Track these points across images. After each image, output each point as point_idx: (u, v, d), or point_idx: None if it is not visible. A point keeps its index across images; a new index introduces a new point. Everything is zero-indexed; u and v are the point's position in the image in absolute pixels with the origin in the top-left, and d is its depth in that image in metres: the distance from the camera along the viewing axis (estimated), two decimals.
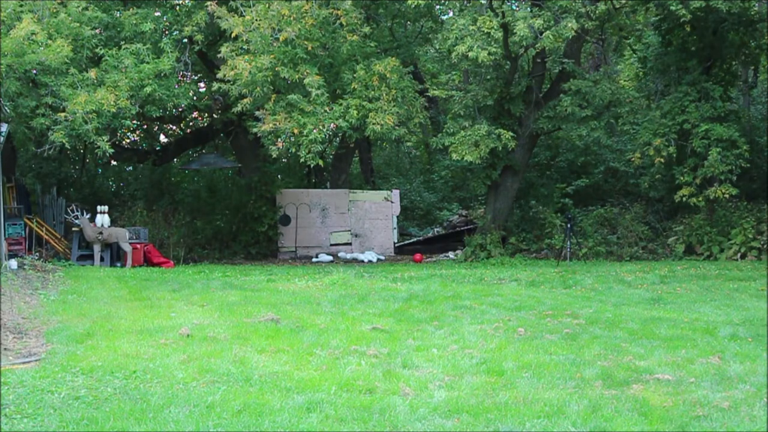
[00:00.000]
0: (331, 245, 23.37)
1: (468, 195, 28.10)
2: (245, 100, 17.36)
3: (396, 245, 23.93)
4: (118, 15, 18.64)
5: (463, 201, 28.22)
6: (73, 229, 18.17)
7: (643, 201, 22.22)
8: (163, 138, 27.87)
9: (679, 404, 6.06)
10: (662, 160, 19.24)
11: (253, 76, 16.72)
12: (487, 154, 19.00)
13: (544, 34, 17.35)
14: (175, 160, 27.12)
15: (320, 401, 6.03)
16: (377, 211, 23.82)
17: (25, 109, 16.19)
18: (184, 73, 20.61)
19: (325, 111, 17.32)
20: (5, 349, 7.64)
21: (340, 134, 21.57)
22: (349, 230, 23.64)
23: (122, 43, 17.75)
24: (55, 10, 16.84)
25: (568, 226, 19.35)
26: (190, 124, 26.29)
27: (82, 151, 24.62)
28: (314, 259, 22.22)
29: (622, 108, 20.02)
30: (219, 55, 17.76)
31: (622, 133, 24.14)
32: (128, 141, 27.30)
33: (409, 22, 24.53)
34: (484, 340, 8.41)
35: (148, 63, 17.28)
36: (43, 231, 18.92)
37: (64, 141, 16.20)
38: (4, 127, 15.57)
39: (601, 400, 6.15)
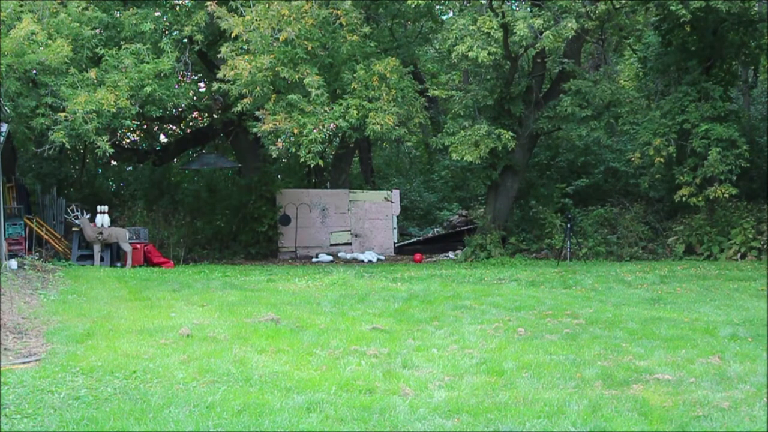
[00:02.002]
0: (331, 245, 23.37)
1: (468, 195, 28.10)
2: (245, 100, 17.36)
3: (396, 245, 23.93)
4: (118, 15, 18.64)
5: (463, 201, 28.21)
6: (73, 229, 18.17)
7: (643, 201, 22.21)
8: (163, 138, 27.88)
9: (679, 404, 6.06)
10: (662, 160, 19.23)
11: (253, 76, 16.72)
12: (487, 154, 19.00)
13: (544, 34, 17.35)
14: (175, 160, 27.14)
15: (320, 401, 6.03)
16: (377, 211, 23.82)
17: (25, 109, 16.19)
18: (184, 73, 20.60)
19: (325, 111, 17.32)
20: (5, 349, 7.64)
21: (340, 134, 21.57)
22: (349, 230, 23.64)
23: (122, 43, 17.75)
24: (55, 10, 16.84)
25: (568, 226, 19.35)
26: (190, 124, 26.31)
27: (82, 151, 24.63)
28: (314, 259, 22.22)
29: (622, 108, 20.01)
30: (219, 55, 17.76)
31: (622, 133, 24.13)
32: (128, 141, 27.31)
33: (409, 22, 24.52)
34: (484, 340, 8.41)
35: (148, 63, 17.28)
36: (43, 231, 18.91)
37: (64, 141, 16.21)
38: (4, 127, 15.58)
39: (601, 400, 6.15)
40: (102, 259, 17.82)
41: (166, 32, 19.70)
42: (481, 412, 5.83)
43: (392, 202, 24.00)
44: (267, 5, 17.14)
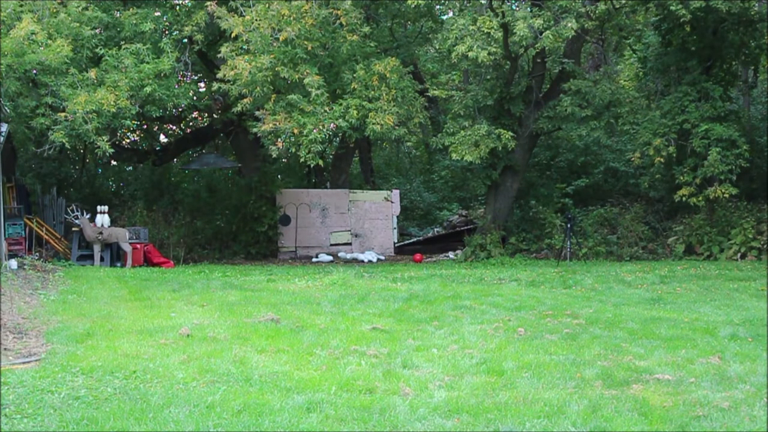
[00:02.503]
0: (331, 245, 23.37)
1: (468, 195, 28.10)
2: (245, 100, 17.37)
3: (396, 245, 23.93)
4: (118, 15, 18.65)
5: (463, 201, 28.21)
6: (73, 229, 18.18)
7: (643, 201, 22.21)
8: (163, 138, 27.89)
9: (679, 404, 6.06)
10: (662, 160, 19.23)
11: (253, 76, 16.72)
12: (487, 154, 19.00)
13: (544, 34, 17.35)
14: (175, 160, 27.14)
15: (320, 401, 6.03)
16: (377, 211, 23.82)
17: (25, 109, 16.19)
18: (184, 73, 20.61)
19: (325, 111, 17.32)
20: (5, 349, 7.64)
21: (340, 134, 21.57)
22: (349, 230, 23.64)
23: (122, 43, 17.76)
24: (55, 10, 16.84)
25: (568, 226, 19.34)
26: (190, 124, 26.31)
27: (82, 151, 24.63)
28: (314, 259, 22.22)
29: (622, 108, 20.02)
30: (219, 55, 17.77)
31: (622, 133, 24.14)
32: (128, 141, 27.32)
33: (409, 22, 24.53)
34: (484, 340, 8.41)
35: (148, 63, 17.29)
36: (43, 231, 18.91)
37: (64, 141, 16.22)
38: (4, 127, 15.58)
39: (601, 400, 6.15)
40: (102, 259, 17.82)
41: (166, 32, 19.70)
42: (481, 412, 5.83)
43: (392, 202, 24.00)
44: (267, 5, 17.14)
